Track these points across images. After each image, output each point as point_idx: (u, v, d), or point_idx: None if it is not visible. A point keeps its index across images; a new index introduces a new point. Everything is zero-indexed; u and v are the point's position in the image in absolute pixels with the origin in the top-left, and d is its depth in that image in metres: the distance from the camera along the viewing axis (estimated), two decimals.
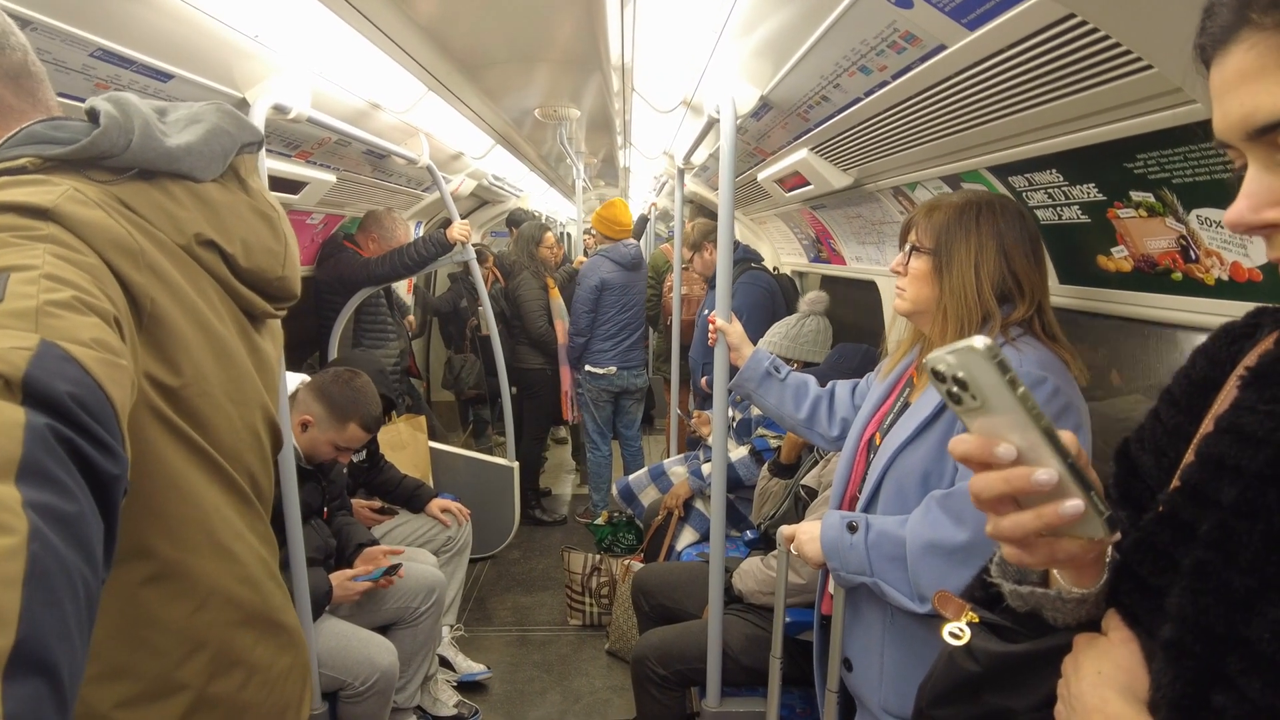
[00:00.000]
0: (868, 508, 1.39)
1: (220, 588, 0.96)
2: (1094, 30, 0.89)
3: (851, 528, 1.34)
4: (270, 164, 2.18)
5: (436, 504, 2.94)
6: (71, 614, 0.49)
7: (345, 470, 2.60)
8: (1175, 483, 0.61)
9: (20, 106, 0.86)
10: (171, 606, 0.91)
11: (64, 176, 0.80)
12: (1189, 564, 0.55)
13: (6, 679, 0.43)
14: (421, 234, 4.54)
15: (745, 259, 3.59)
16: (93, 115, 0.84)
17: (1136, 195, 1.18)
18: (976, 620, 0.72)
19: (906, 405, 1.42)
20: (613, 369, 4.20)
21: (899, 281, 1.43)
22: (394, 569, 2.28)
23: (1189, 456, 0.62)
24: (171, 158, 0.89)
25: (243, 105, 1.80)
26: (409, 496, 2.94)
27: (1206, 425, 0.62)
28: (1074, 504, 0.55)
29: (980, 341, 0.54)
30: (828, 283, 3.46)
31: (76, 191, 0.78)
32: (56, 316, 0.64)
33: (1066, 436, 0.56)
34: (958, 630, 0.72)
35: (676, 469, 3.31)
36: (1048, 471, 0.55)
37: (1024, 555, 0.62)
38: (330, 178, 2.72)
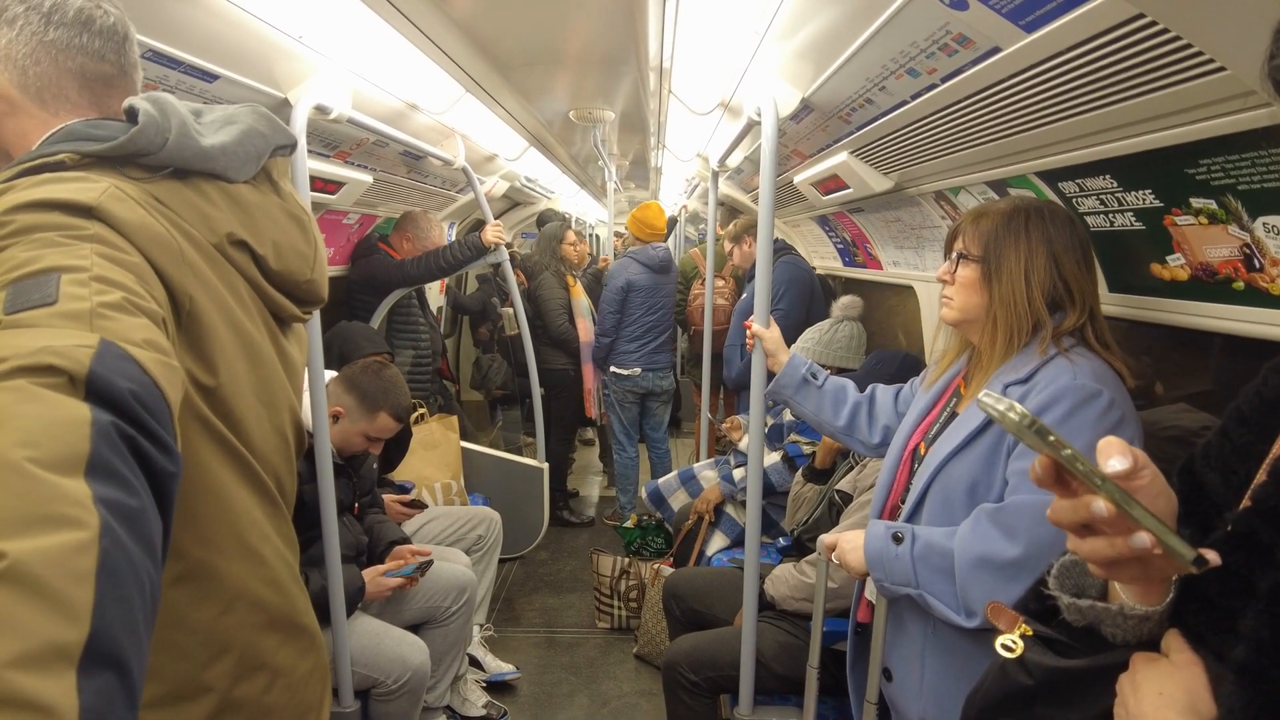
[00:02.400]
0: (912, 518, 1.37)
1: (247, 590, 0.96)
2: (1163, 31, 0.86)
3: (897, 538, 1.31)
4: (309, 164, 2.20)
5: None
6: (139, 608, 0.50)
7: (375, 465, 2.61)
8: (1247, 502, 0.60)
9: (79, 103, 0.88)
10: (198, 608, 0.91)
11: (101, 173, 0.81)
12: (1267, 586, 0.54)
13: (81, 672, 0.44)
14: (454, 235, 4.57)
15: (785, 247, 3.70)
16: (131, 114, 0.85)
17: (1197, 202, 1.14)
18: (1030, 633, 0.71)
19: (954, 415, 1.39)
20: (637, 370, 4.19)
21: (945, 290, 1.40)
22: (426, 565, 2.28)
23: (1261, 476, 0.60)
24: (206, 157, 0.90)
25: (285, 105, 1.82)
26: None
27: None
28: (1141, 537, 0.54)
29: (1015, 413, 0.54)
30: (863, 287, 3.42)
31: (117, 189, 0.78)
32: (109, 319, 0.64)
33: (1126, 464, 0.56)
34: (1011, 643, 0.71)
35: (707, 473, 3.29)
36: (1100, 504, 0.55)
37: (1110, 574, 0.62)
38: (367, 178, 2.75)
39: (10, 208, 0.71)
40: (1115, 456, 0.56)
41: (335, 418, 2.20)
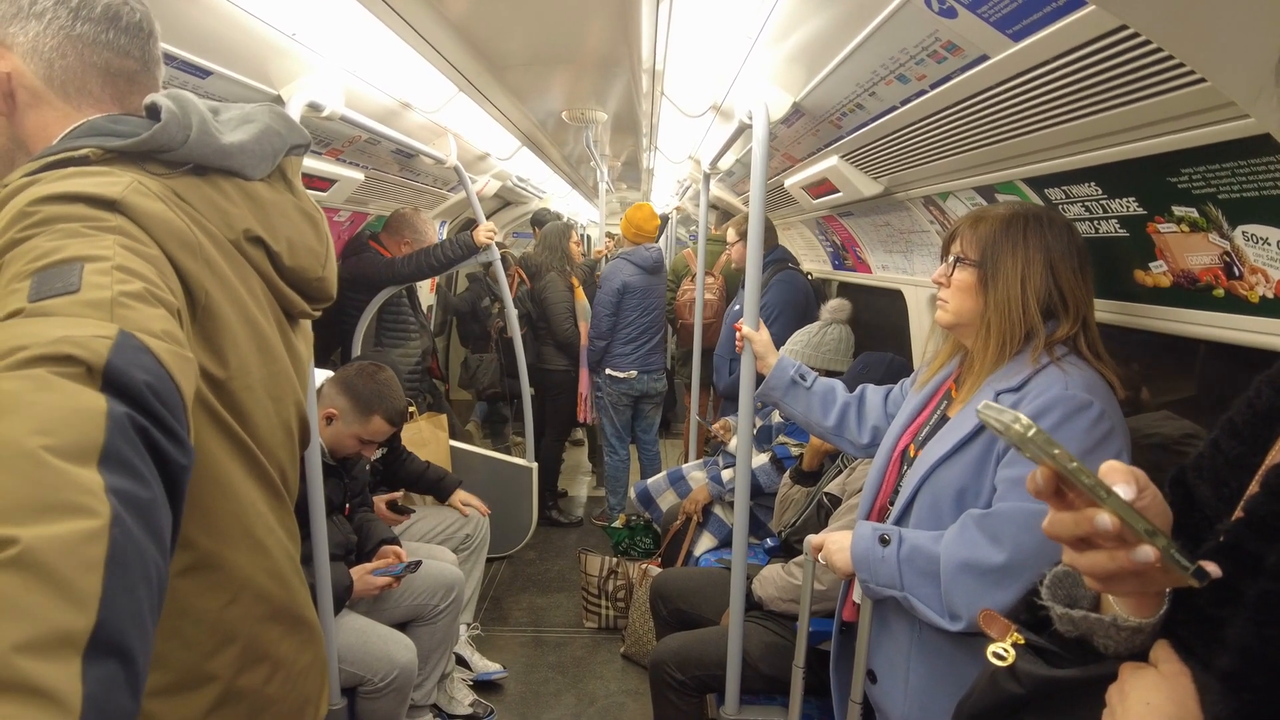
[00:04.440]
0: (900, 521, 1.38)
1: (252, 581, 0.97)
2: (1146, 43, 0.87)
3: (884, 540, 1.32)
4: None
5: (459, 496, 2.99)
6: (145, 599, 0.51)
7: (368, 467, 2.61)
8: (1238, 513, 0.60)
9: (101, 97, 0.90)
10: (205, 598, 0.92)
11: (124, 168, 0.82)
12: (1254, 595, 0.54)
13: (86, 660, 0.45)
14: (445, 234, 4.55)
15: (783, 259, 3.60)
16: (152, 111, 0.87)
17: (1179, 210, 1.16)
18: (1022, 642, 0.70)
19: (945, 419, 1.41)
20: (634, 373, 4.18)
21: (941, 293, 1.41)
22: (414, 566, 2.29)
23: (1253, 488, 0.60)
24: (225, 154, 0.92)
25: (277, 102, 1.82)
26: (433, 486, 2.98)
27: (1273, 456, 0.61)
28: (1145, 551, 0.54)
29: (1020, 424, 0.53)
30: (851, 291, 3.44)
31: (139, 184, 0.80)
32: (129, 308, 0.66)
33: (1131, 492, 0.55)
34: (1002, 651, 0.71)
35: (695, 474, 3.30)
36: (1104, 518, 0.54)
37: (1107, 588, 0.61)
38: (359, 176, 2.75)
39: (36, 199, 0.73)
40: (1120, 484, 0.55)
41: (329, 419, 2.20)
